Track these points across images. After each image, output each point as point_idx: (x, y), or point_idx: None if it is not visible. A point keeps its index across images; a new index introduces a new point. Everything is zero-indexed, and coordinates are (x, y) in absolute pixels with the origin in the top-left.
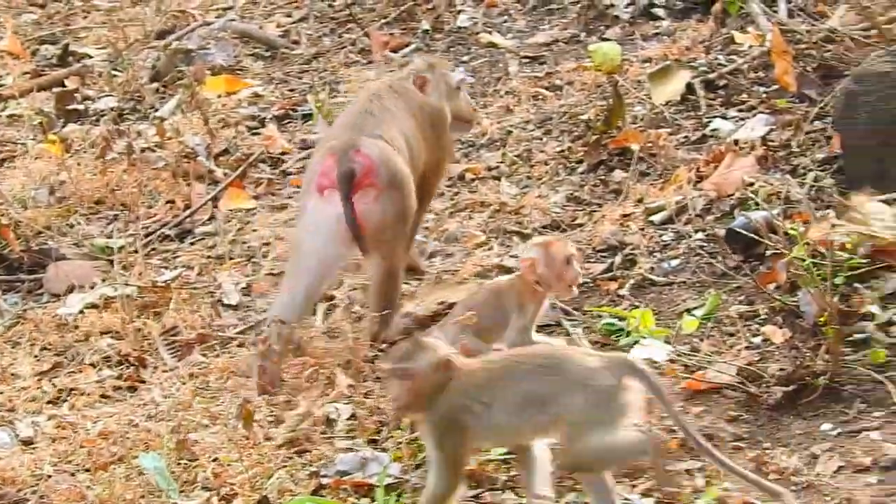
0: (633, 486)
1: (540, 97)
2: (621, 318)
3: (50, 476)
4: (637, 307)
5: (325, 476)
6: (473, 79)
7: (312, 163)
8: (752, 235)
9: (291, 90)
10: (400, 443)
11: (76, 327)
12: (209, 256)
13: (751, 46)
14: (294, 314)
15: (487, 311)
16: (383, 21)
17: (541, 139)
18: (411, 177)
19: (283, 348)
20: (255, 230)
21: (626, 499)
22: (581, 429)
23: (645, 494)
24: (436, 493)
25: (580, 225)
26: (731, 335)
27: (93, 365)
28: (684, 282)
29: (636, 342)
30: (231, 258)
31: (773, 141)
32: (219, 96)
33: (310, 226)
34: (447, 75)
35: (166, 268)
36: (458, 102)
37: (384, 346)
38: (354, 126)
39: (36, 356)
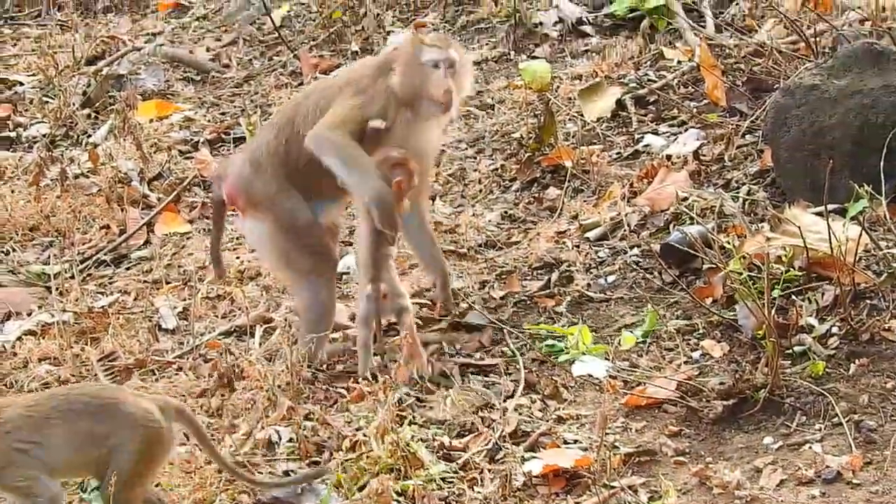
0: (578, 502)
1: (471, 116)
2: (559, 336)
3: None
4: (575, 324)
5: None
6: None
7: None
8: (688, 250)
9: (223, 113)
10: (342, 465)
11: (14, 354)
12: (145, 281)
13: (680, 62)
14: None
15: None
16: (313, 43)
17: (474, 158)
18: (273, 194)
19: None
20: (190, 254)
21: None
22: (132, 463)
23: None
24: None
25: (516, 243)
26: (670, 350)
27: (32, 391)
28: (621, 297)
29: (575, 359)
30: (167, 282)
31: (705, 155)
32: (151, 121)
33: None
34: (421, 50)
35: (103, 293)
36: (424, 80)
37: (322, 367)
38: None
39: None
